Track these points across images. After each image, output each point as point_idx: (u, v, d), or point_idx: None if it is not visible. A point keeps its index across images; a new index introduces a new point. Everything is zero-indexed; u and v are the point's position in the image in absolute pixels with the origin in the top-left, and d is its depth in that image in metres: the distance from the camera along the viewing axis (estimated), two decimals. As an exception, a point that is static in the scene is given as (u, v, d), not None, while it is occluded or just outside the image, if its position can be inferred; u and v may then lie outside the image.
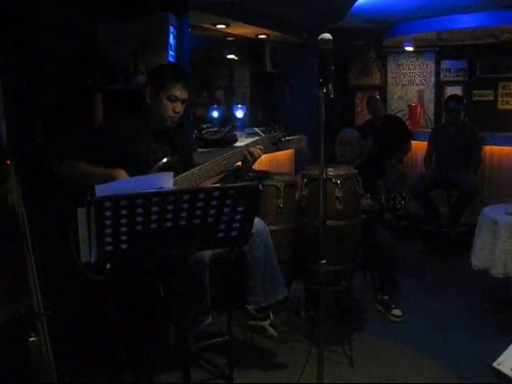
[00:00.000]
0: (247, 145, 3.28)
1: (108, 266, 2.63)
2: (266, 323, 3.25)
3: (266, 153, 5.59)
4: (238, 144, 5.02)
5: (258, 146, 3.25)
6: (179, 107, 3.06)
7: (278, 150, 3.58)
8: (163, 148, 3.12)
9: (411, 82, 7.61)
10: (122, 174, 2.78)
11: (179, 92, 3.03)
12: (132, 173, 2.77)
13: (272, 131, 3.49)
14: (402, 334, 3.88)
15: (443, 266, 5.38)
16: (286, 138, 3.55)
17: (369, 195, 3.88)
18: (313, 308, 3.96)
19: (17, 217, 2.57)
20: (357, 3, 5.37)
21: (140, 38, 3.75)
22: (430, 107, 7.46)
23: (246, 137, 5.61)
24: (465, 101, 6.28)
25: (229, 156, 3.17)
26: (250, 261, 3.20)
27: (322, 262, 2.60)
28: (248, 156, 3.19)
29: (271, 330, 3.24)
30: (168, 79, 3.01)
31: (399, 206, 3.77)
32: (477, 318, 4.10)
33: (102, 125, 3.39)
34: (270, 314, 3.27)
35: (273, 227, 3.52)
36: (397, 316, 4.09)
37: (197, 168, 3.08)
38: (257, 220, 2.94)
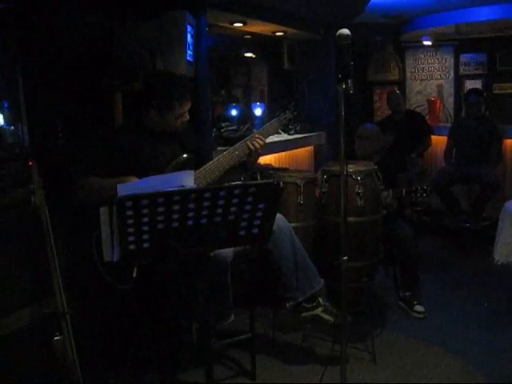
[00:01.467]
0: (254, 134, 3.26)
1: (134, 274, 2.64)
2: (318, 311, 3.26)
3: (289, 149, 5.64)
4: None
5: (256, 136, 3.20)
6: (187, 117, 3.04)
7: (290, 133, 3.54)
8: (172, 147, 3.10)
9: (430, 77, 7.54)
10: (133, 179, 2.77)
11: (186, 107, 3.00)
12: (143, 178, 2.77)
13: (282, 113, 3.46)
14: (425, 329, 3.85)
15: (465, 261, 5.32)
16: (294, 113, 3.49)
17: (389, 191, 3.85)
18: (334, 305, 3.95)
19: (40, 217, 2.60)
20: (373, -2, 5.36)
21: (158, 37, 3.77)
22: (450, 101, 7.39)
23: (265, 135, 5.62)
24: (485, 94, 6.21)
25: (241, 146, 3.16)
26: (277, 257, 3.21)
27: (344, 258, 2.59)
28: (251, 146, 3.16)
29: (326, 316, 3.25)
30: (174, 100, 2.93)
31: (420, 200, 3.75)
32: (500, 313, 4.06)
33: (107, 137, 3.32)
34: (320, 300, 3.28)
35: (293, 224, 3.50)
36: (419, 312, 4.05)
37: (210, 163, 3.07)
38: (278, 216, 2.94)
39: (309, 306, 3.27)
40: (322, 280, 3.35)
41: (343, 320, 2.72)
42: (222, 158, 3.09)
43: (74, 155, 3.20)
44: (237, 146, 3.16)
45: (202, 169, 3.04)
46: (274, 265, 3.24)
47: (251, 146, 3.15)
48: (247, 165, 3.26)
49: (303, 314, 3.29)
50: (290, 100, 6.50)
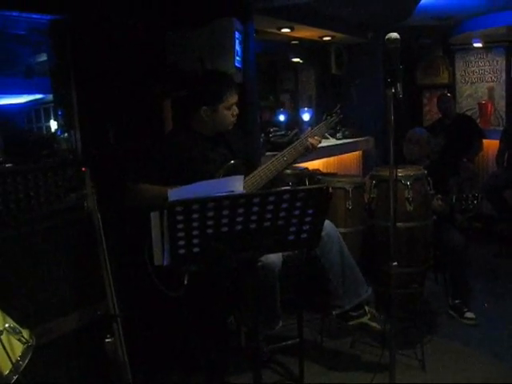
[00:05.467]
0: (305, 137, 3.25)
1: (186, 281, 2.67)
2: (365, 319, 3.24)
3: (336, 154, 5.62)
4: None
5: (315, 138, 3.22)
6: (236, 110, 3.12)
7: (338, 137, 3.50)
8: (222, 153, 3.14)
9: (481, 80, 7.40)
10: None
11: (234, 98, 3.08)
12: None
13: (328, 117, 3.45)
14: (475, 337, 3.77)
15: (518, 269, 5.20)
16: (341, 116, 3.47)
17: (439, 196, 3.80)
18: (383, 311, 3.90)
19: (92, 222, 2.66)
20: (422, 1, 5.27)
21: (206, 44, 3.80)
22: (502, 104, 7.22)
23: (313, 139, 5.61)
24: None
25: (289, 151, 3.16)
26: (325, 264, 3.20)
27: (394, 264, 2.56)
28: (310, 148, 3.18)
29: (373, 324, 3.24)
30: (222, 92, 3.03)
31: (471, 207, 3.68)
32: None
33: (158, 145, 3.38)
34: (367, 308, 3.26)
35: (342, 230, 3.49)
36: (469, 319, 3.97)
37: (259, 169, 3.10)
38: (326, 222, 2.94)
39: (355, 314, 3.24)
40: (370, 288, 3.32)
41: (391, 327, 2.68)
42: (271, 165, 3.11)
43: (125, 162, 3.25)
44: (285, 151, 3.17)
45: (251, 175, 3.06)
46: (322, 271, 3.23)
47: (311, 148, 3.17)
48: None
49: (350, 323, 3.26)
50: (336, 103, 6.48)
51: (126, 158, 3.27)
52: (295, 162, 3.30)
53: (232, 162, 3.05)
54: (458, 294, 4.06)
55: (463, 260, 3.96)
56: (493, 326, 3.94)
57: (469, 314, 4.00)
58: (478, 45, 7.16)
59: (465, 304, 4.04)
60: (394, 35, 2.46)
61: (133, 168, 3.05)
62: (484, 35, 6.83)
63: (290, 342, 3.27)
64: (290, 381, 3.32)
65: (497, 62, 7.23)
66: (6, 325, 1.81)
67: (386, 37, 2.48)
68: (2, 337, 1.72)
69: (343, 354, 3.60)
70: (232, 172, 2.92)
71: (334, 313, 3.27)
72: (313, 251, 3.13)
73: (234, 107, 3.10)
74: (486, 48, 7.24)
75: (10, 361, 1.72)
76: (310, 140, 3.18)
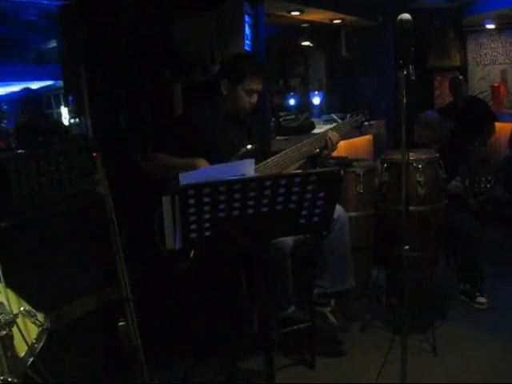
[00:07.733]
0: (327, 130, 3.26)
1: (192, 253, 2.70)
2: (327, 309, 3.27)
3: (347, 138, 5.62)
4: (316, 131, 5.01)
5: (335, 134, 3.22)
6: (255, 99, 3.11)
7: (361, 135, 3.53)
8: (240, 135, 3.15)
9: (493, 62, 7.32)
10: (202, 162, 2.83)
11: (256, 85, 3.08)
12: (212, 161, 2.81)
13: (354, 115, 3.45)
14: (487, 321, 3.76)
15: (531, 252, 5.17)
16: (370, 122, 3.50)
17: (459, 178, 3.77)
18: (394, 295, 3.91)
19: (104, 207, 2.67)
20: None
21: (216, 28, 3.79)
22: (515, 87, 7.17)
23: (324, 123, 5.59)
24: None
25: (310, 142, 3.16)
26: (324, 244, 3.20)
27: (406, 247, 2.55)
28: (329, 142, 3.17)
29: (331, 317, 3.26)
30: (246, 73, 3.04)
31: (484, 191, 3.66)
32: None
33: (180, 116, 3.45)
34: (332, 301, 3.28)
35: (353, 213, 3.49)
36: (481, 303, 3.97)
37: (278, 155, 3.08)
38: (338, 207, 2.93)
39: (322, 301, 3.29)
40: (354, 282, 3.34)
41: (402, 311, 2.67)
42: (290, 152, 3.09)
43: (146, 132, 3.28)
44: (307, 141, 3.16)
45: (268, 160, 3.05)
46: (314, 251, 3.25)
47: (329, 143, 3.17)
48: (317, 159, 3.25)
49: (316, 308, 3.29)
50: (360, 105, 6.43)
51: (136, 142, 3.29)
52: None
53: (248, 147, 3.04)
54: (469, 278, 4.05)
55: (475, 244, 3.94)
56: (504, 309, 3.94)
57: (480, 299, 3.99)
58: (490, 26, 7.08)
59: (476, 288, 4.03)
60: (406, 16, 2.43)
61: (156, 137, 3.09)
62: (497, 16, 6.75)
63: (302, 326, 3.28)
64: (301, 364, 3.33)
65: (510, 43, 7.15)
66: (22, 308, 1.83)
67: (398, 18, 2.44)
68: (18, 320, 1.74)
69: (354, 338, 3.61)
70: (247, 157, 2.92)
71: (314, 292, 3.28)
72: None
73: (255, 96, 3.10)
74: (499, 29, 7.15)
75: (26, 343, 1.74)
76: (330, 135, 3.18)
